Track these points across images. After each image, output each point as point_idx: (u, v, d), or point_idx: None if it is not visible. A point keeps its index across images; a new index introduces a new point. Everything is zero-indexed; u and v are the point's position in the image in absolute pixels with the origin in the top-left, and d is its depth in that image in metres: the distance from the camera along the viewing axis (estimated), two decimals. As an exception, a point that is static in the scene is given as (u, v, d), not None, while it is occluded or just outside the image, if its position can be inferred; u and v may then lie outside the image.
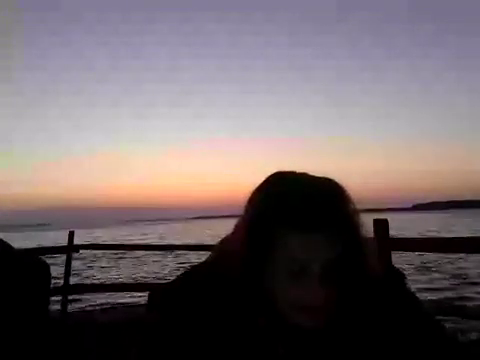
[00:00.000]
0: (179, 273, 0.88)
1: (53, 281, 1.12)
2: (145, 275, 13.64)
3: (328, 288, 0.70)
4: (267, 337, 0.74)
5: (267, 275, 0.73)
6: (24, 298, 0.96)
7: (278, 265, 0.72)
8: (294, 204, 0.71)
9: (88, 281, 12.29)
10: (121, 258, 18.39)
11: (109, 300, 8.95)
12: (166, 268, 15.08)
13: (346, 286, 0.73)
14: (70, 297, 5.98)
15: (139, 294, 7.83)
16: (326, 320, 0.72)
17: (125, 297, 8.92)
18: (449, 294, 9.06)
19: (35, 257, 1.10)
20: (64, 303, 5.60)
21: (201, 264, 0.86)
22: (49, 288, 1.09)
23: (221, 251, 0.82)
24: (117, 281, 12.21)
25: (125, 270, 15.37)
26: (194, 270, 0.86)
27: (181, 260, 15.98)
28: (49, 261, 1.25)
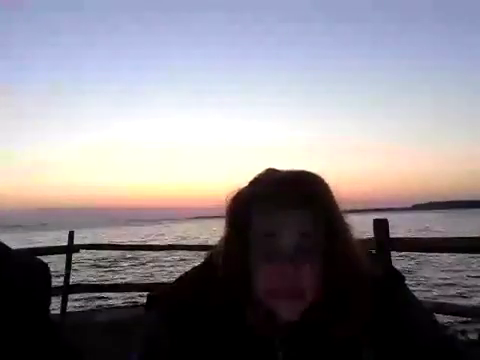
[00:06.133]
0: (178, 273, 0.88)
1: (53, 281, 1.11)
2: (145, 275, 13.63)
3: (300, 266, 0.70)
4: (262, 337, 0.74)
5: (251, 265, 0.74)
6: (22, 301, 0.95)
7: (255, 247, 0.74)
8: (266, 184, 0.76)
9: (88, 281, 12.29)
10: (120, 258, 18.38)
11: (109, 300, 8.95)
12: (165, 268, 15.07)
13: (326, 274, 0.73)
14: (70, 297, 5.98)
15: (139, 294, 7.84)
16: (306, 310, 0.72)
17: (125, 297, 8.93)
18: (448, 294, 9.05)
19: (33, 258, 1.07)
20: (64, 303, 5.59)
21: (200, 265, 0.86)
22: (49, 290, 1.07)
23: (215, 250, 0.82)
24: (117, 281, 12.21)
25: (124, 270, 15.37)
26: (193, 271, 0.86)
27: (180, 260, 15.98)
28: (48, 261, 1.24)
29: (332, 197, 0.76)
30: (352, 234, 0.77)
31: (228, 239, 0.79)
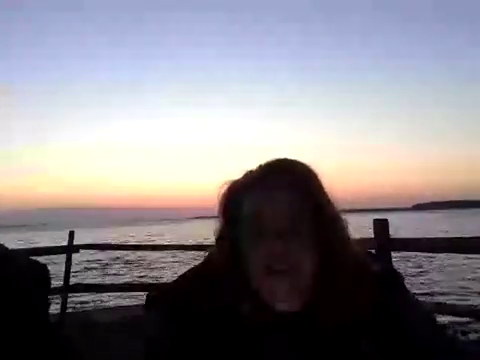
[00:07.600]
0: (179, 273, 0.89)
1: (52, 281, 1.10)
2: (144, 275, 13.64)
3: (289, 242, 0.71)
4: (262, 335, 0.74)
5: (243, 255, 0.75)
6: (21, 302, 0.95)
7: (246, 231, 0.75)
8: (255, 173, 0.80)
9: (88, 281, 12.29)
10: (120, 258, 18.38)
11: (109, 300, 8.96)
12: (166, 268, 15.07)
13: (321, 268, 0.73)
14: (70, 297, 5.98)
15: (138, 294, 7.84)
16: (302, 301, 0.72)
17: (124, 297, 8.93)
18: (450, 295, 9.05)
19: (32, 259, 1.07)
20: (64, 303, 5.59)
21: (200, 264, 0.86)
22: (48, 291, 1.07)
23: (214, 248, 0.83)
24: (117, 281, 12.21)
25: (124, 270, 15.37)
26: (193, 270, 0.86)
27: (180, 260, 15.98)
28: (48, 261, 1.24)
29: (320, 184, 0.78)
30: (343, 223, 0.78)
31: (221, 230, 0.80)
